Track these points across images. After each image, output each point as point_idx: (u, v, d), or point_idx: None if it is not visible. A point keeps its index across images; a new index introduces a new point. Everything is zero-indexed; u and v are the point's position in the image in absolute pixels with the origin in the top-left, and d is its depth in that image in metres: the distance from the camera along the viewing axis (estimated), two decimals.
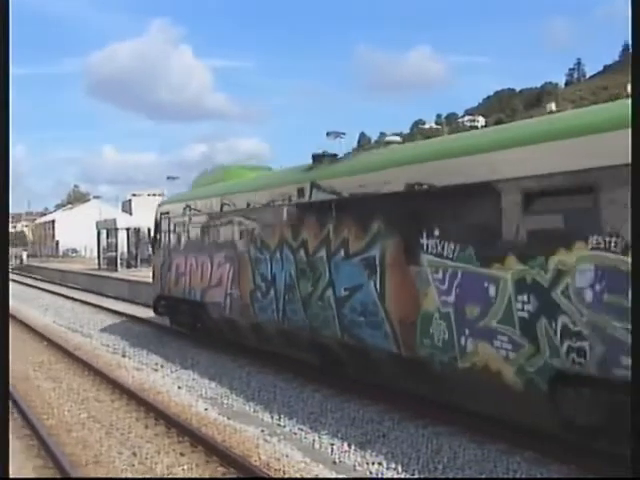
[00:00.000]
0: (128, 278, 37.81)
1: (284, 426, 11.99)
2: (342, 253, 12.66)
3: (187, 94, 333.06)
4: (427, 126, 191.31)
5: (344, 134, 27.64)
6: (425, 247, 10.64)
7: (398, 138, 17.04)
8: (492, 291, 9.43)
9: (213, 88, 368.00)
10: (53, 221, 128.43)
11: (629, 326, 7.13)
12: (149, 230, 27.84)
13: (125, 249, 50.59)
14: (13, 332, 24.27)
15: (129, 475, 9.64)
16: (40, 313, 30.26)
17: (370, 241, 11.93)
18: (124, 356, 19.24)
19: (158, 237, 21.98)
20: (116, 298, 34.49)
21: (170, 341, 20.57)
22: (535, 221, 8.94)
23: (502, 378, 9.44)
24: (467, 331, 9.97)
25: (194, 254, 19.06)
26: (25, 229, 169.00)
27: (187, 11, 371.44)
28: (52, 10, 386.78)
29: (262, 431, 11.68)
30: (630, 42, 6.72)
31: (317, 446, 10.89)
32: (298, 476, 9.49)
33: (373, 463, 9.95)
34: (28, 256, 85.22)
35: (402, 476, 9.45)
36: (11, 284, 47.98)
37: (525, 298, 8.97)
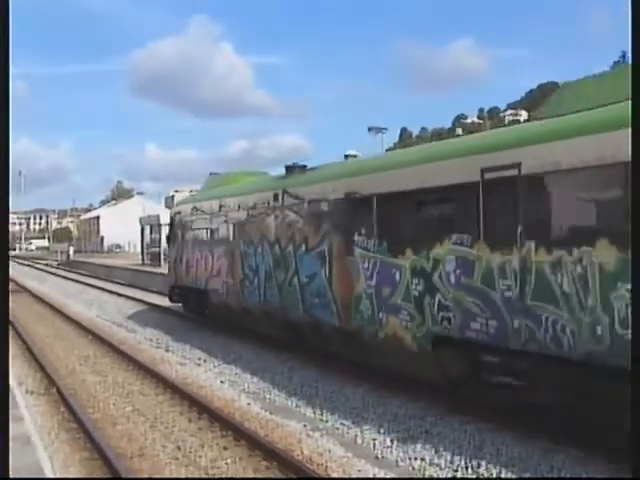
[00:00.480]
0: None
1: (326, 421, 12.00)
2: (303, 247, 15.58)
3: (228, 91, 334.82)
4: (469, 120, 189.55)
5: (386, 129, 27.74)
6: (356, 242, 13.53)
7: (356, 152, 18.68)
8: (397, 276, 12.33)
9: (254, 85, 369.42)
10: (98, 217, 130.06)
11: (477, 300, 10.40)
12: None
13: None
14: (60, 326, 24.69)
15: (173, 468, 9.73)
16: (85, 308, 30.67)
17: (322, 237, 14.84)
18: (167, 350, 19.42)
19: (172, 234, 24.75)
20: (159, 293, 34.82)
21: (213, 336, 20.69)
22: (421, 222, 11.92)
23: (404, 343, 12.28)
24: (383, 307, 12.78)
25: (200, 248, 21.79)
26: (70, 225, 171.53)
27: (227, 8, 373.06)
28: (94, 8, 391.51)
29: (304, 426, 11.70)
30: (630, 42, 6.76)
31: (359, 441, 10.88)
32: (341, 471, 9.50)
33: (416, 459, 9.91)
34: (74, 252, 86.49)
35: (445, 472, 9.41)
36: (57, 279, 48.75)
37: (417, 281, 11.84)
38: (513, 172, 9.85)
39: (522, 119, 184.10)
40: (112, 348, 19.48)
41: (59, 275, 54.32)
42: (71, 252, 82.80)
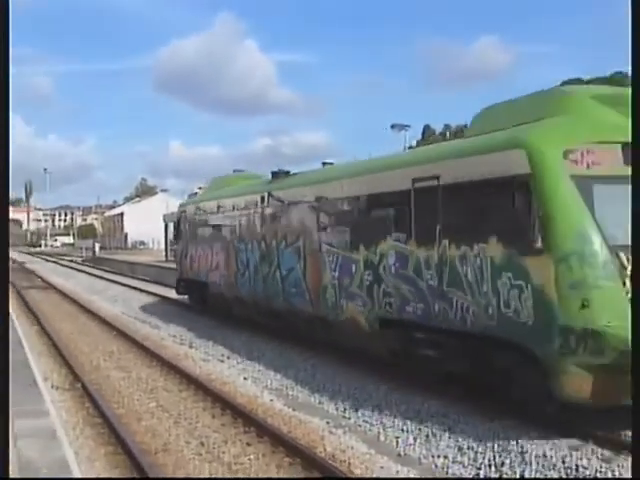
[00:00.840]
0: None
1: (349, 418, 12.00)
2: (283, 244, 17.69)
3: (252, 88, 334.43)
4: None
5: (409, 126, 27.62)
6: (323, 239, 15.70)
7: (334, 161, 20.25)
8: (354, 268, 14.43)
9: (278, 82, 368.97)
10: (122, 214, 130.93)
11: (410, 287, 12.45)
12: None
13: None
14: (85, 322, 24.88)
15: (197, 463, 9.78)
16: (110, 304, 30.89)
17: (297, 235, 16.99)
18: (191, 347, 19.51)
19: (178, 232, 27.22)
20: None
21: (236, 333, 20.76)
22: (371, 222, 13.88)
23: (359, 324, 14.39)
24: (344, 295, 14.87)
25: (201, 245, 24.09)
26: (95, 222, 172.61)
27: (251, 6, 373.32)
28: (120, 6, 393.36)
29: (327, 423, 11.71)
30: (630, 42, 7.04)
31: (382, 438, 10.87)
32: (363, 467, 9.50)
33: (439, 456, 9.89)
34: (100, 248, 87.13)
35: (468, 470, 9.38)
36: (82, 275, 49.10)
37: (368, 272, 13.86)
38: (434, 182, 11.88)
39: None
40: (136, 344, 19.60)
41: (84, 271, 54.72)
42: (97, 248, 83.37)
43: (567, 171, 9.69)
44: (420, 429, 11.05)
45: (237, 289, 20.84)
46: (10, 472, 6.52)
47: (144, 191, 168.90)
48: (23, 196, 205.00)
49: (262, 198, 19.11)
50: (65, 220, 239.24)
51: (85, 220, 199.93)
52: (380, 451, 10.21)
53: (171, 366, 16.28)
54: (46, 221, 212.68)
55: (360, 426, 11.53)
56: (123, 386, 14.76)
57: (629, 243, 8.16)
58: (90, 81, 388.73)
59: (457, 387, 12.75)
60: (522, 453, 9.63)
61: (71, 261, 73.64)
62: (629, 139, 8.60)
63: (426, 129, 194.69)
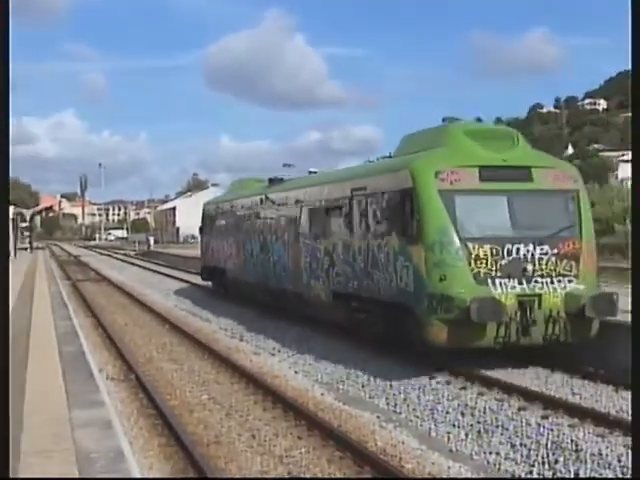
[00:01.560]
0: None
1: (400, 413, 11.97)
2: (275, 237, 21.91)
3: (301, 83, 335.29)
4: (545, 110, 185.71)
5: (460, 120, 27.34)
6: (299, 232, 19.79)
7: (318, 170, 24.42)
8: (318, 255, 18.36)
9: (328, 76, 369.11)
10: (174, 208, 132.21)
11: (350, 269, 16.24)
12: None
13: None
14: (139, 315, 25.20)
15: (249, 456, 9.84)
16: (162, 297, 31.25)
17: (284, 230, 21.08)
18: (242, 340, 19.64)
19: (203, 226, 31.92)
20: None
21: (287, 327, 20.84)
22: (328, 220, 17.92)
23: (321, 298, 18.36)
24: (312, 275, 18.76)
25: (220, 237, 28.81)
26: (147, 216, 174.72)
27: (301, 1, 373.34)
28: (172, 4, 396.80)
29: (378, 417, 11.70)
30: (630, 42, 7.59)
31: (433, 434, 10.82)
32: (415, 463, 9.46)
33: (491, 453, 9.80)
34: (155, 241, 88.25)
35: (521, 467, 9.28)
36: (135, 269, 49.73)
37: (326, 258, 17.73)
38: (364, 192, 16.03)
39: (601, 108, 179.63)
40: (188, 337, 19.80)
41: (137, 265, 55.43)
42: (151, 242, 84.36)
43: (436, 186, 13.64)
44: (472, 425, 10.96)
45: (244, 274, 25.43)
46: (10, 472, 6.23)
47: (196, 185, 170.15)
48: (78, 191, 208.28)
49: (261, 200, 23.65)
50: (119, 214, 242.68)
51: (138, 214, 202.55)
52: (431, 446, 10.16)
53: (222, 359, 16.41)
54: (100, 215, 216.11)
55: (411, 421, 11.49)
56: (176, 378, 14.92)
57: (479, 236, 13.39)
58: (143, 77, 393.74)
59: (509, 384, 12.63)
60: (577, 451, 9.48)
61: (124, 254, 74.68)
62: (485, 164, 13.78)
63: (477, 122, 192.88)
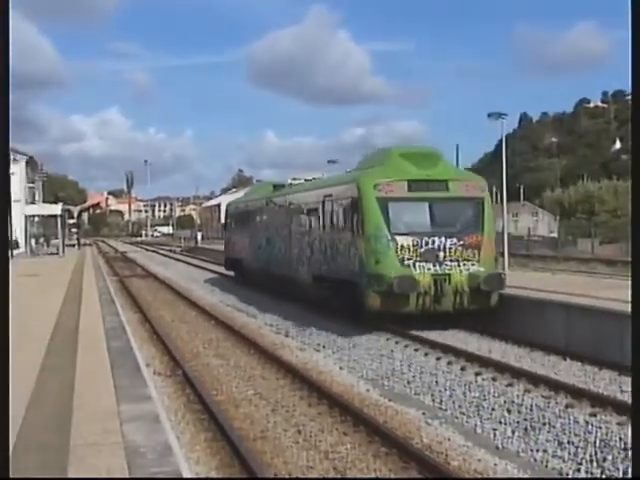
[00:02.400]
0: None
1: (445, 409, 11.93)
2: (276, 232, 26.94)
3: (345, 78, 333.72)
4: (592, 105, 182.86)
5: (506, 115, 27.19)
6: (291, 229, 24.63)
7: (310, 177, 29.39)
8: (303, 246, 23.01)
9: (371, 71, 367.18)
10: (219, 205, 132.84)
11: (322, 256, 21.26)
12: None
13: None
14: (185, 311, 25.43)
15: (295, 451, 9.89)
16: (208, 293, 31.50)
17: (282, 226, 25.97)
18: (287, 336, 19.73)
19: (226, 223, 38.13)
20: None
21: (332, 323, 20.87)
22: (308, 219, 22.65)
23: (305, 280, 22.78)
24: (299, 263, 23.46)
25: (239, 233, 34.50)
26: (193, 212, 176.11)
27: None
28: (216, 1, 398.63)
29: (423, 414, 11.67)
30: (630, 42, 7.67)
31: (479, 431, 10.76)
32: (461, 460, 9.42)
33: (537, 450, 9.73)
34: (202, 237, 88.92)
35: (568, 465, 9.19)
36: (181, 265, 50.12)
37: (308, 248, 22.23)
38: (331, 198, 20.88)
39: None
40: (234, 332, 19.95)
41: (182, 261, 55.91)
42: (199, 237, 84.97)
43: (375, 195, 18.46)
44: (519, 422, 10.89)
45: (256, 263, 30.50)
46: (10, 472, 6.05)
47: (241, 182, 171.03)
48: (124, 187, 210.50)
49: (266, 202, 29.00)
50: (164, 211, 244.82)
51: (184, 211, 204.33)
52: (477, 443, 10.12)
53: (268, 354, 16.51)
54: (146, 212, 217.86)
55: (457, 418, 11.45)
56: (222, 373, 15.05)
57: (405, 231, 18.11)
58: (187, 75, 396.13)
59: (555, 381, 12.50)
60: (625, 449, 9.36)
61: (170, 251, 75.32)
62: (412, 178, 18.58)
63: (523, 117, 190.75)
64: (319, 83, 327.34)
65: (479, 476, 8.94)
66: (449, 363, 14.89)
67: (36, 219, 57.64)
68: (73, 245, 65.68)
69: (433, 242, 18.16)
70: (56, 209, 55.88)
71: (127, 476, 6.15)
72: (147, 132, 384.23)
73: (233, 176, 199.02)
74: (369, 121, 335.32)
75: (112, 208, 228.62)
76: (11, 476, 6.03)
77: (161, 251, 75.49)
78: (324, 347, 17.79)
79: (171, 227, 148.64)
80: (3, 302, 8.68)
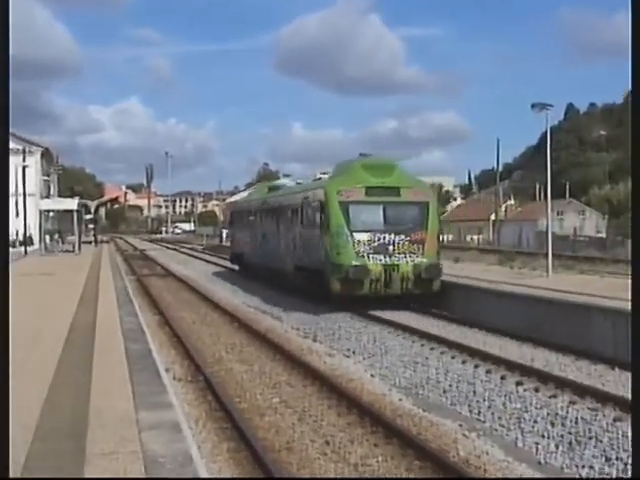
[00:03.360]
0: None
1: (484, 421, 11.88)
2: (269, 229, 32.45)
3: (377, 66, 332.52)
4: None
5: (551, 106, 26.86)
6: (278, 227, 30.63)
7: (303, 181, 36.22)
8: (287, 242, 29.08)
9: (405, 59, 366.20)
10: None
11: (301, 250, 27.35)
12: None
13: None
14: (206, 312, 25.52)
15: (322, 463, 9.89)
16: (230, 294, 31.63)
17: (274, 224, 31.32)
18: (315, 340, 19.76)
19: (229, 221, 46.31)
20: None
21: (364, 327, 20.89)
22: (293, 218, 28.35)
23: (290, 270, 28.27)
24: (286, 254, 28.91)
25: (240, 229, 40.87)
26: (216, 208, 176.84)
27: None
28: None
29: (460, 425, 11.63)
30: (630, 43, 8.13)
31: (520, 444, 10.70)
32: (500, 475, 9.37)
33: (583, 466, 9.66)
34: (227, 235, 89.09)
35: None
36: (202, 264, 50.38)
37: (291, 243, 28.26)
38: (307, 200, 26.15)
39: None
40: (258, 336, 20.01)
41: (204, 259, 56.14)
42: (224, 235, 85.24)
43: (338, 199, 23.80)
44: (563, 435, 10.81)
45: (255, 257, 36.55)
46: (13, 472, 6.43)
47: (266, 176, 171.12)
48: (144, 181, 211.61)
49: (262, 202, 35.53)
50: (185, 206, 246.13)
51: (206, 207, 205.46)
52: (518, 458, 10.06)
53: (295, 360, 16.54)
54: (167, 207, 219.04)
55: (496, 430, 11.39)
56: (246, 380, 15.09)
57: (361, 229, 23.45)
58: (210, 62, 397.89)
59: (603, 392, 12.38)
60: None
61: (191, 249, 75.70)
62: (369, 185, 24.01)
63: (569, 108, 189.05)
64: (350, 71, 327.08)
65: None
66: (488, 372, 14.83)
67: (51, 214, 58.20)
68: (90, 242, 66.16)
69: (384, 238, 23.67)
70: (72, 204, 56.22)
71: None
72: (167, 123, 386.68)
73: (258, 170, 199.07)
74: (403, 112, 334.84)
75: (130, 203, 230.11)
76: (11, 476, 6.17)
77: (182, 249, 75.88)
78: (354, 353, 17.79)
79: (192, 224, 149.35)
80: (3, 302, 8.76)
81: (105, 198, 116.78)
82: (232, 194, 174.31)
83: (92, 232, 74.12)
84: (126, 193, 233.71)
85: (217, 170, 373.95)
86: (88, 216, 78.13)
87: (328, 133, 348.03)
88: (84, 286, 24.87)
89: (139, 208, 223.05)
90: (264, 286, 32.72)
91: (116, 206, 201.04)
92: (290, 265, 28.66)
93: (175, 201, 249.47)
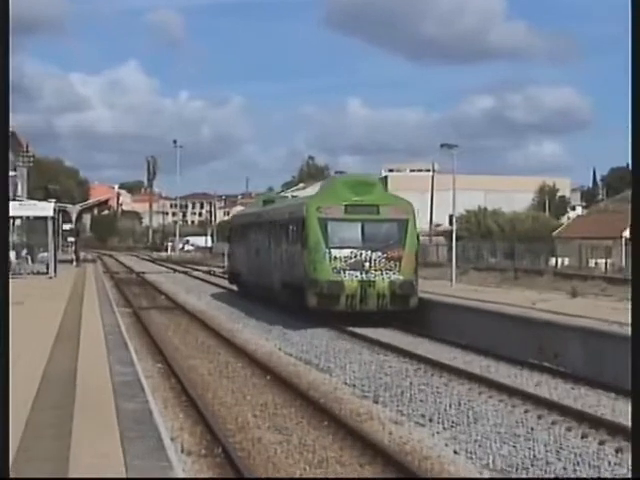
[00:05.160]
0: None
1: None
2: (261, 244, 43.23)
3: (466, 25, 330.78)
4: None
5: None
6: (271, 241, 41.05)
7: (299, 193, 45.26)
8: (277, 255, 39.40)
9: (505, 14, 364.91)
10: None
11: (287, 267, 37.48)
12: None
13: None
14: (227, 360, 25.61)
15: None
16: (261, 334, 31.81)
17: (264, 239, 42.67)
18: (377, 402, 19.75)
19: (229, 236, 56.52)
20: (366, 319, 35.31)
21: (443, 386, 20.83)
22: (281, 233, 39.17)
23: (277, 286, 39.07)
24: (276, 271, 39.25)
25: (237, 245, 51.28)
26: None
27: None
28: None
29: None
30: (630, 44, 9.88)
31: None
32: None
33: None
34: None
35: None
36: (220, 294, 50.64)
37: (279, 257, 38.84)
38: (293, 215, 36.78)
39: None
40: (298, 394, 20.07)
41: (223, 287, 56.16)
42: None
43: (317, 216, 33.07)
44: None
45: (249, 275, 46.55)
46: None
47: (310, 174, 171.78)
48: (143, 179, 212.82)
49: (257, 216, 45.90)
50: (200, 214, 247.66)
51: (228, 214, 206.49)
52: None
53: (348, 429, 16.55)
54: (174, 215, 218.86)
55: None
56: (280, 455, 15.12)
57: (338, 245, 32.77)
58: (236, 17, 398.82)
59: None
60: None
61: (208, 272, 75.86)
62: (349, 203, 33.43)
63: None
64: (428, 30, 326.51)
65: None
66: (618, 450, 14.69)
67: (17, 222, 58.35)
68: (70, 261, 66.82)
69: (361, 254, 32.32)
70: (46, 209, 55.87)
71: None
72: (178, 99, 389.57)
73: (301, 165, 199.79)
74: (501, 87, 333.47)
75: (125, 209, 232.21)
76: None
77: (195, 273, 76.27)
78: (431, 420, 17.75)
79: (209, 238, 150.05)
80: (3, 303, 8.94)
81: (91, 201, 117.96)
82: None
83: (72, 247, 74.78)
84: (119, 195, 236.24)
85: (244, 165, 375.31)
86: (67, 226, 78.88)
87: (397, 114, 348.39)
88: (61, 321, 25.14)
89: (137, 215, 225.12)
90: (307, 326, 32.76)
91: (105, 212, 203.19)
92: (278, 282, 38.24)
93: (186, 206, 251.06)
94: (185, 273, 76.58)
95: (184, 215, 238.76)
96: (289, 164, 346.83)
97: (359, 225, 32.79)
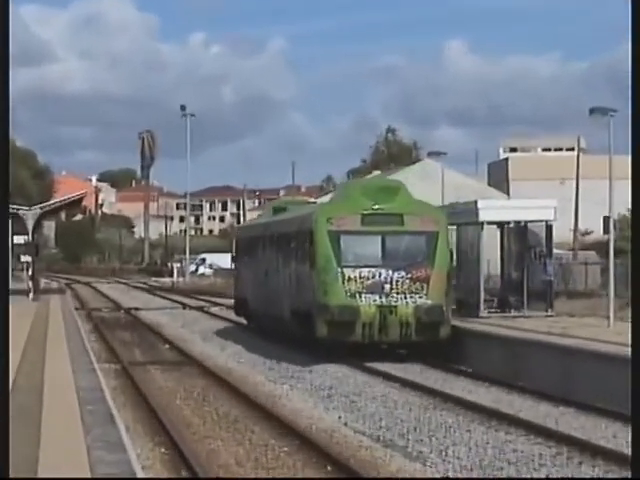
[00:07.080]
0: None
1: None
2: (269, 264, 56.14)
3: None
4: None
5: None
6: (278, 260, 54.42)
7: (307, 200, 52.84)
8: (285, 277, 52.43)
9: None
10: None
11: (297, 291, 50.21)
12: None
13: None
14: (263, 440, 25.65)
15: None
16: (315, 401, 31.90)
17: (271, 258, 55.87)
18: None
19: (236, 254, 70.75)
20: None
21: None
22: (289, 250, 52.19)
23: (287, 314, 50.64)
24: (285, 296, 51.45)
25: (244, 266, 64.58)
26: None
27: None
28: None
29: None
30: (630, 44, 14.13)
31: None
32: None
33: None
34: None
35: None
36: (253, 340, 51.36)
37: (288, 279, 51.03)
38: (301, 228, 48.64)
39: None
40: None
41: (256, 329, 56.75)
42: None
43: (327, 228, 43.04)
44: None
45: (256, 302, 57.13)
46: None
47: (392, 155, 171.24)
48: (136, 167, 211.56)
49: (264, 228, 57.16)
50: (223, 218, 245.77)
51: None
52: None
53: None
54: (184, 220, 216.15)
55: None
56: None
57: (353, 264, 42.68)
58: None
59: None
60: None
61: (233, 306, 76.05)
62: (366, 212, 43.16)
63: None
64: None
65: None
66: None
67: None
68: (25, 292, 67.22)
69: (380, 274, 39.10)
70: None
71: None
72: (186, 42, 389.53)
73: (376, 142, 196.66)
74: None
75: (108, 211, 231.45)
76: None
77: (214, 308, 76.53)
78: None
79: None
80: (3, 303, 9.89)
81: (56, 201, 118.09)
82: (320, 190, 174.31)
83: (28, 272, 75.20)
84: (98, 190, 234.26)
85: (288, 143, 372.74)
86: (20, 238, 79.24)
87: (522, 63, 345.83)
88: (14, 384, 25.31)
89: (125, 221, 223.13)
90: (381, 391, 32.85)
91: (78, 217, 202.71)
92: (287, 311, 47.89)
93: (201, 207, 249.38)
94: (200, 309, 77.06)
95: (198, 220, 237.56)
96: (357, 141, 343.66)
97: (378, 239, 40.21)
